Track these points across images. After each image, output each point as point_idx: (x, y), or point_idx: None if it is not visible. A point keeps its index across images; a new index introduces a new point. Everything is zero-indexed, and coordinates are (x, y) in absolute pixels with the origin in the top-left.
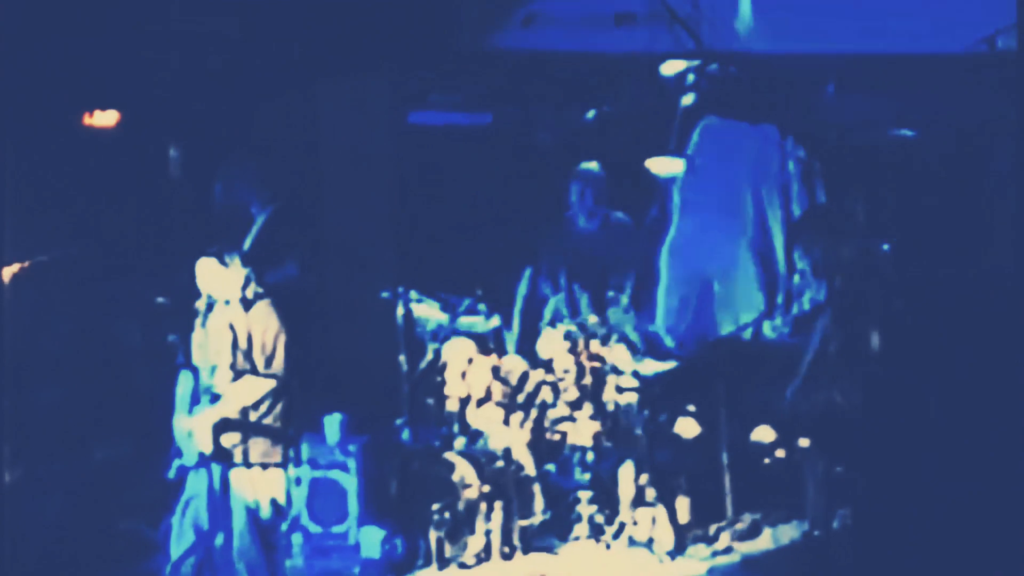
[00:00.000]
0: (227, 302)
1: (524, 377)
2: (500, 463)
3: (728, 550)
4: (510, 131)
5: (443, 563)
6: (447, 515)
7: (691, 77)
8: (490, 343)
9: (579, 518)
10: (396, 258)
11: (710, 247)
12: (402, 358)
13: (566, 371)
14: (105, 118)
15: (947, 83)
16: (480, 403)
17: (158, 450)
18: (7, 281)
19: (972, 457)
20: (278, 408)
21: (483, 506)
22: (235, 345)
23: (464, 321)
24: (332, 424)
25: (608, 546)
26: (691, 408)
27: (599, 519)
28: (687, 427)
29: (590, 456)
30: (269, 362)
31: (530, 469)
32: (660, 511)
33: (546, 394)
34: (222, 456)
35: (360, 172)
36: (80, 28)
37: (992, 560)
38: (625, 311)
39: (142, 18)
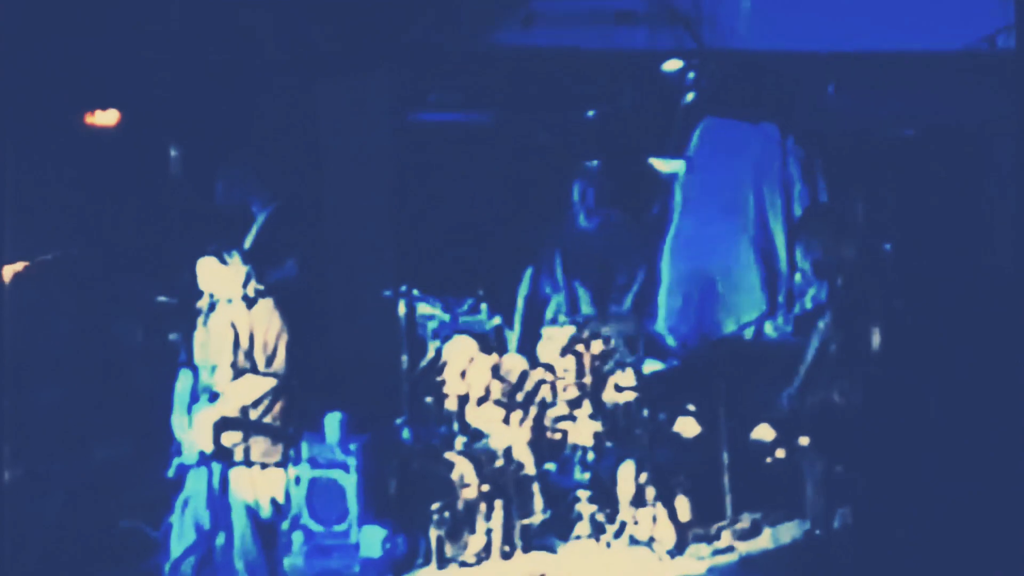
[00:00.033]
0: (229, 301)
1: (524, 376)
2: (500, 462)
3: (728, 549)
4: (510, 130)
5: (443, 562)
6: (447, 514)
7: (692, 76)
8: (491, 342)
9: (579, 517)
10: (396, 257)
11: (712, 246)
12: (404, 357)
13: (566, 370)
14: (105, 117)
15: (948, 82)
16: (480, 402)
17: (158, 449)
18: (7, 280)
19: (972, 456)
20: (278, 407)
21: (483, 505)
22: (236, 344)
23: (465, 320)
24: (332, 423)
25: (608, 545)
26: (691, 407)
27: (599, 518)
28: (687, 426)
29: (590, 455)
30: (270, 361)
31: (530, 468)
32: (660, 510)
33: (546, 393)
34: (222, 455)
35: (360, 171)
36: (80, 28)
37: (992, 559)
38: (626, 310)
39: (142, 18)
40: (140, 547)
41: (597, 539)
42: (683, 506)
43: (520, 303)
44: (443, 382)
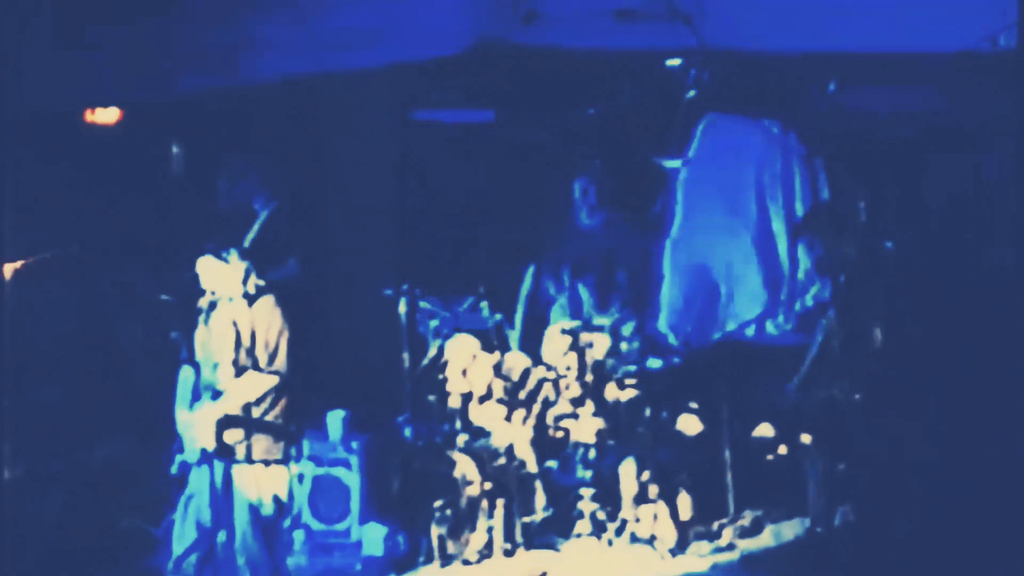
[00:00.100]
0: (230, 299)
1: (526, 374)
2: (502, 460)
3: (730, 547)
4: (512, 129)
5: (445, 560)
6: (449, 512)
7: (693, 73)
8: (494, 340)
9: (581, 515)
10: (398, 255)
11: (713, 244)
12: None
13: (568, 368)
14: (106, 116)
15: (948, 81)
16: (482, 400)
17: (160, 448)
18: (8, 279)
19: (973, 454)
20: (280, 405)
21: (485, 503)
22: (238, 341)
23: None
24: (334, 421)
25: (610, 543)
26: (693, 405)
27: (601, 516)
28: (689, 424)
29: (592, 453)
30: (272, 359)
31: (532, 466)
32: (662, 508)
33: (548, 391)
34: (224, 452)
35: (362, 169)
36: (80, 28)
37: (992, 558)
38: (628, 309)
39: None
40: (141, 546)
41: (599, 537)
42: (685, 504)
43: (522, 301)
44: (445, 380)
